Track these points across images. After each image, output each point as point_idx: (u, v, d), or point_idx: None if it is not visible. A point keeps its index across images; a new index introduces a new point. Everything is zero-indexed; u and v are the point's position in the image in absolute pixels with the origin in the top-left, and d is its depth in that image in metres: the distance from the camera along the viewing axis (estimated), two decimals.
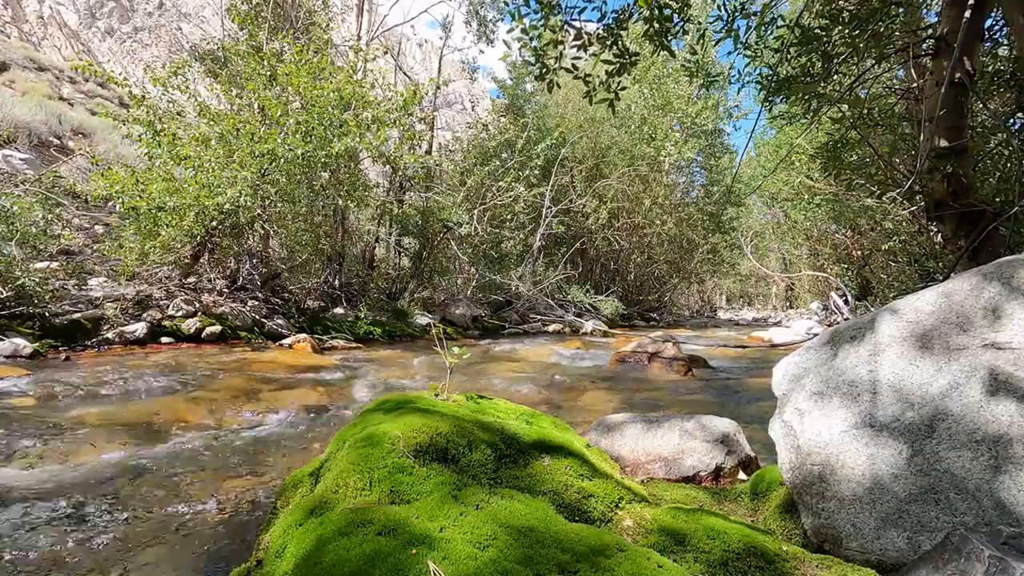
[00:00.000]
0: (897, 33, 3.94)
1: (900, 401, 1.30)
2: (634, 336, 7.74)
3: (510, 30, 3.63)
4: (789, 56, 4.04)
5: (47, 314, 4.83)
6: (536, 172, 11.93)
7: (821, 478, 1.33)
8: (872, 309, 3.65)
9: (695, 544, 1.15)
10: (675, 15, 3.48)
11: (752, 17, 3.72)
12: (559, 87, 3.75)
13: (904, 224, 7.39)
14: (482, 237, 10.58)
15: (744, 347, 7.24)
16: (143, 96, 6.17)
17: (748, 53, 4.00)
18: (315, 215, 7.92)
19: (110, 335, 4.94)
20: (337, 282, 8.82)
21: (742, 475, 1.86)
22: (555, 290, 13.04)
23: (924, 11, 4.64)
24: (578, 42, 3.43)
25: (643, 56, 9.49)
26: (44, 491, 1.75)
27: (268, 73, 6.73)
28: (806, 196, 10.51)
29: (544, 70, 3.50)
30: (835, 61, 4.04)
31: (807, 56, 4.01)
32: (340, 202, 7.58)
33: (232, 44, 8.43)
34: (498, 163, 10.78)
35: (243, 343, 5.81)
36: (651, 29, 3.41)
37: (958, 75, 3.07)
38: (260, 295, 7.07)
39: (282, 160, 6.11)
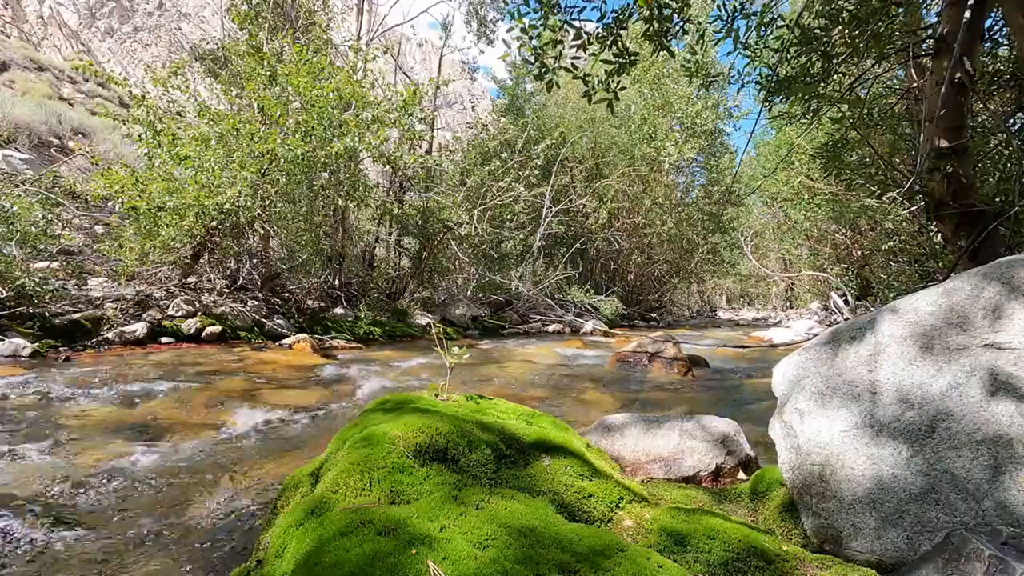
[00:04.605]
0: (897, 33, 3.94)
1: (900, 401, 1.30)
2: (634, 336, 7.74)
3: (509, 29, 3.62)
4: (789, 56, 4.04)
5: (47, 314, 4.83)
6: (536, 172, 11.92)
7: (821, 478, 1.33)
8: (872, 309, 3.65)
9: (695, 544, 1.15)
10: (675, 15, 3.48)
11: (752, 17, 3.72)
12: (558, 87, 3.74)
13: (904, 224, 7.39)
14: (482, 237, 10.57)
15: (744, 347, 7.24)
16: (143, 96, 6.17)
17: (748, 53, 4.00)
18: (315, 215, 7.92)
19: (110, 335, 4.94)
20: (337, 282, 8.83)
21: (742, 475, 1.86)
22: (555, 290, 13.04)
23: (924, 11, 4.63)
24: (577, 42, 3.43)
25: (643, 56, 9.48)
26: (43, 491, 1.75)
27: (268, 73, 6.73)
28: (806, 196, 10.51)
29: (543, 70, 3.50)
30: (835, 61, 4.04)
31: (807, 56, 4.01)
32: (340, 202, 7.58)
33: (232, 44, 8.43)
34: (498, 163, 10.77)
35: (243, 343, 5.81)
36: (651, 29, 3.41)
37: (958, 75, 3.07)
38: (260, 295, 7.07)
39: (282, 160, 6.11)
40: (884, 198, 6.45)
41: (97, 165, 6.30)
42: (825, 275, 12.68)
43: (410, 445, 1.31)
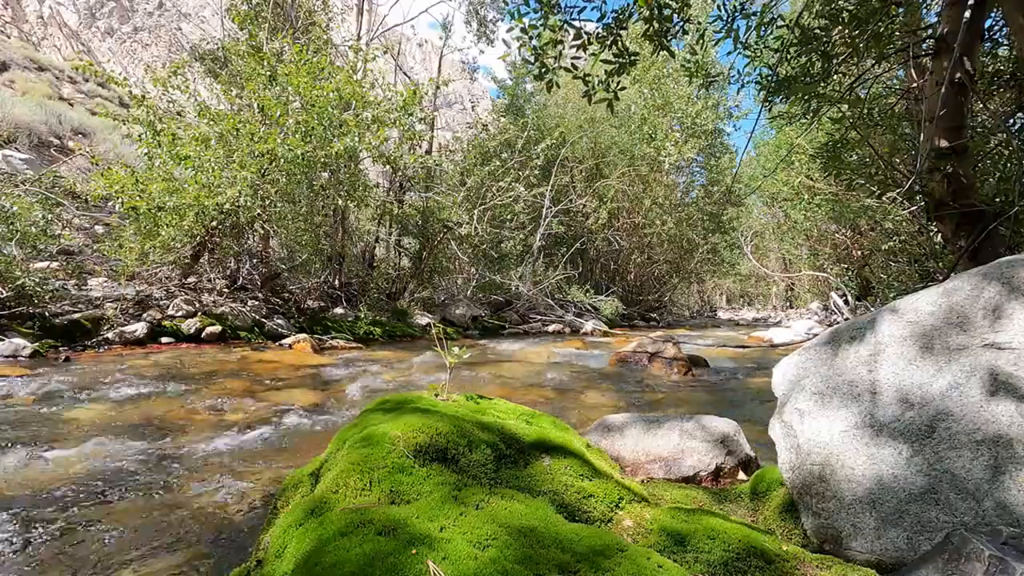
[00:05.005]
0: (897, 33, 3.94)
1: (900, 401, 1.30)
2: (634, 336, 7.74)
3: (509, 29, 3.63)
4: (789, 56, 4.04)
5: (47, 314, 4.83)
6: (536, 172, 11.93)
7: (821, 478, 1.33)
8: (872, 309, 3.65)
9: (695, 544, 1.15)
10: (675, 15, 3.48)
11: (752, 17, 3.72)
12: (558, 87, 3.74)
13: (904, 224, 7.39)
14: (482, 237, 10.58)
15: (744, 347, 7.24)
16: (143, 96, 6.17)
17: (748, 53, 4.00)
18: (315, 215, 7.92)
19: (110, 335, 4.94)
20: (337, 282, 8.83)
21: (742, 475, 1.86)
22: (555, 290, 13.04)
23: (924, 11, 4.64)
24: (577, 42, 3.43)
25: (643, 56, 9.47)
26: (43, 491, 1.75)
27: (268, 73, 6.73)
28: (806, 196, 10.51)
29: (543, 69, 3.50)
30: (835, 61, 4.04)
31: (807, 56, 4.01)
32: (340, 202, 7.58)
33: (232, 44, 8.43)
34: (498, 163, 10.77)
35: (243, 343, 5.81)
36: (651, 29, 3.41)
37: (958, 75, 3.07)
38: (260, 295, 7.07)
39: (282, 160, 6.11)
40: (884, 198, 6.45)
41: (97, 165, 6.30)
42: (825, 275, 12.68)
43: (410, 445, 1.31)
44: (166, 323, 5.51)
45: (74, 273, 6.07)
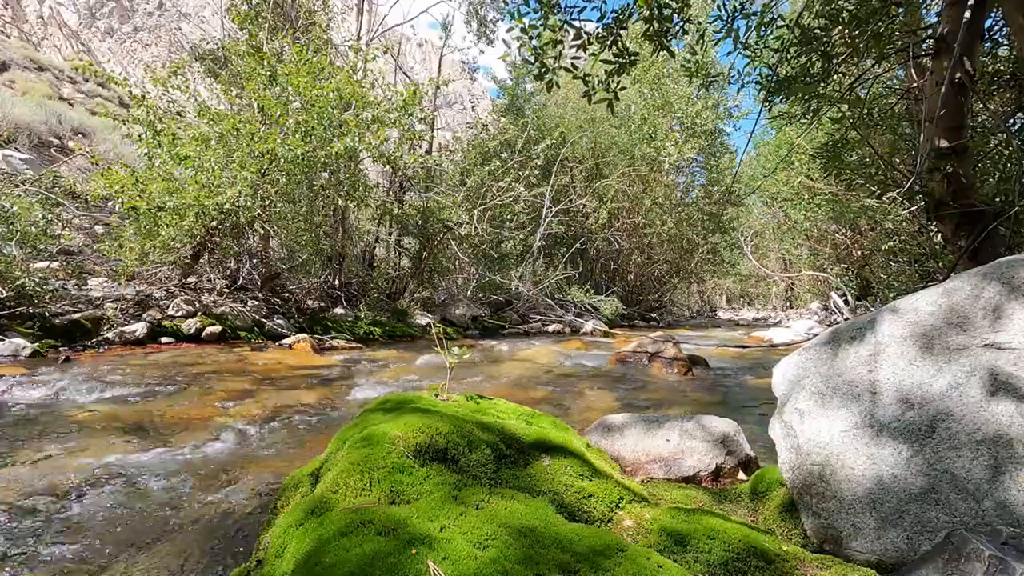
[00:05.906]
0: (897, 33, 3.94)
1: (900, 401, 1.30)
2: (634, 336, 7.74)
3: (509, 29, 3.63)
4: (789, 56, 4.04)
5: (47, 314, 4.83)
6: (536, 172, 11.93)
7: (821, 478, 1.33)
8: (872, 309, 3.65)
9: (695, 544, 1.15)
10: (675, 15, 3.48)
11: (752, 17, 3.72)
12: (558, 87, 3.74)
13: (904, 224, 7.39)
14: (482, 237, 10.57)
15: (744, 347, 7.24)
16: (143, 96, 6.16)
17: (748, 53, 4.00)
18: (315, 215, 7.92)
19: (110, 335, 4.94)
20: (337, 282, 8.82)
21: (742, 475, 1.86)
22: (555, 290, 13.04)
23: (924, 11, 4.64)
24: (577, 42, 3.43)
25: (643, 56, 9.48)
26: (44, 491, 1.75)
27: (268, 73, 6.73)
28: (806, 196, 10.51)
29: (543, 69, 3.50)
30: (835, 61, 4.04)
31: (807, 56, 4.01)
32: (340, 202, 7.58)
33: (232, 44, 8.43)
34: (498, 163, 10.77)
35: (243, 343, 5.80)
36: (651, 29, 3.41)
37: (958, 75, 3.07)
38: (260, 295, 7.07)
39: (282, 160, 6.11)
40: (884, 198, 6.45)
41: (97, 165, 6.30)
42: (825, 275, 12.68)
43: (410, 445, 1.31)
44: (166, 323, 5.51)
45: (74, 273, 6.07)
